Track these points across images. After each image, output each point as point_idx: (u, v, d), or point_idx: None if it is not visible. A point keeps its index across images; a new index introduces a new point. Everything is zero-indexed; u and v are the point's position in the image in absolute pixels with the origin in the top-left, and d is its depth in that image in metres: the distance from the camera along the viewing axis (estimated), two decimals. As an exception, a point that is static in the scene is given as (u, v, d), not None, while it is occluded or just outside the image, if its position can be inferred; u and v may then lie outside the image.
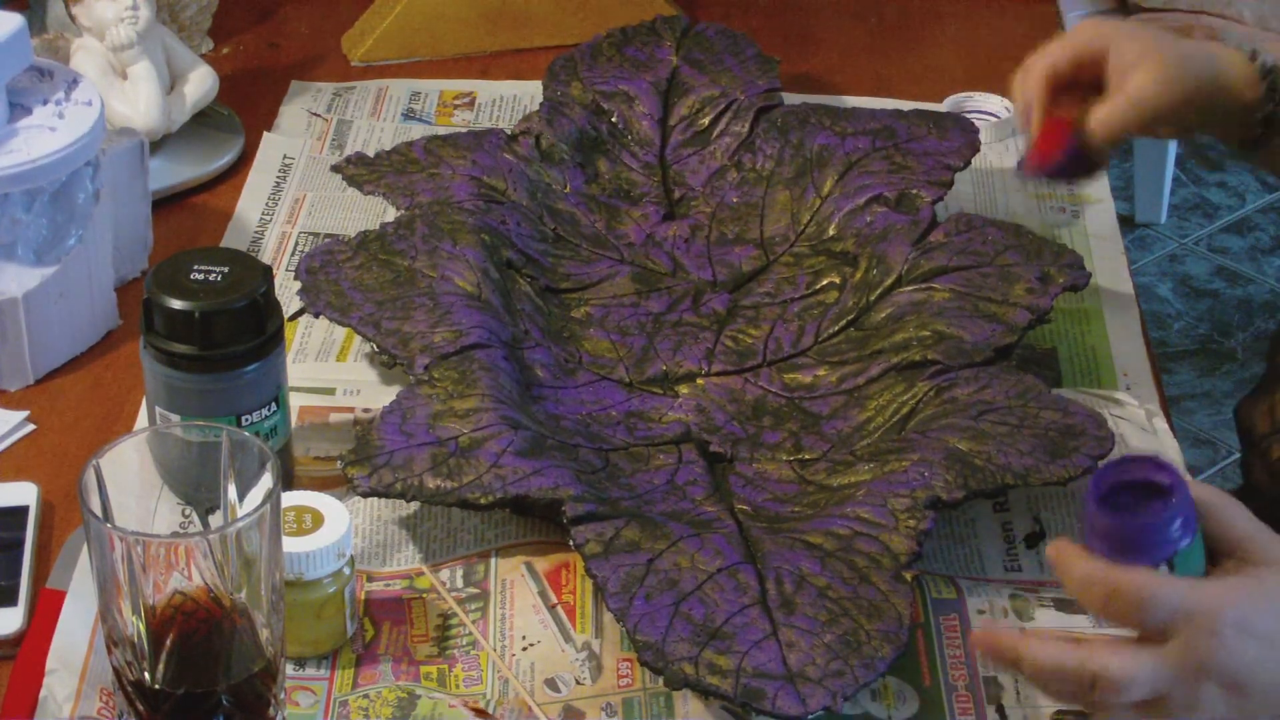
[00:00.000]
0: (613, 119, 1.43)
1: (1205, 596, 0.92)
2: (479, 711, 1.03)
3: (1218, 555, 0.95)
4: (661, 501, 1.13)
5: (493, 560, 1.12)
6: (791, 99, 1.47)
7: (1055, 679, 0.94)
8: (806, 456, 1.17)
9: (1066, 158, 1.23)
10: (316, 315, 1.25)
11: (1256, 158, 1.25)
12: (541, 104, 1.43)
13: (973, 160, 1.37)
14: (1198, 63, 1.20)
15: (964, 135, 1.38)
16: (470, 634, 1.08)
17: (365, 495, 1.10)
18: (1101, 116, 1.20)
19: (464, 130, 1.47)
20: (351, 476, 1.11)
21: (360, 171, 1.38)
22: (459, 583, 1.11)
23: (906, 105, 1.49)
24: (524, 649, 1.07)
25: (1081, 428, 1.13)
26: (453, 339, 1.20)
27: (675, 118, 1.43)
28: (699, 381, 1.23)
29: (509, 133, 1.40)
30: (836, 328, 1.26)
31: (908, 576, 1.05)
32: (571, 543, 1.07)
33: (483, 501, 1.10)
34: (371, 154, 1.39)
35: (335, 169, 1.39)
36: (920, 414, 1.17)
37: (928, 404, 1.17)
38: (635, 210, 1.37)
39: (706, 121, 1.42)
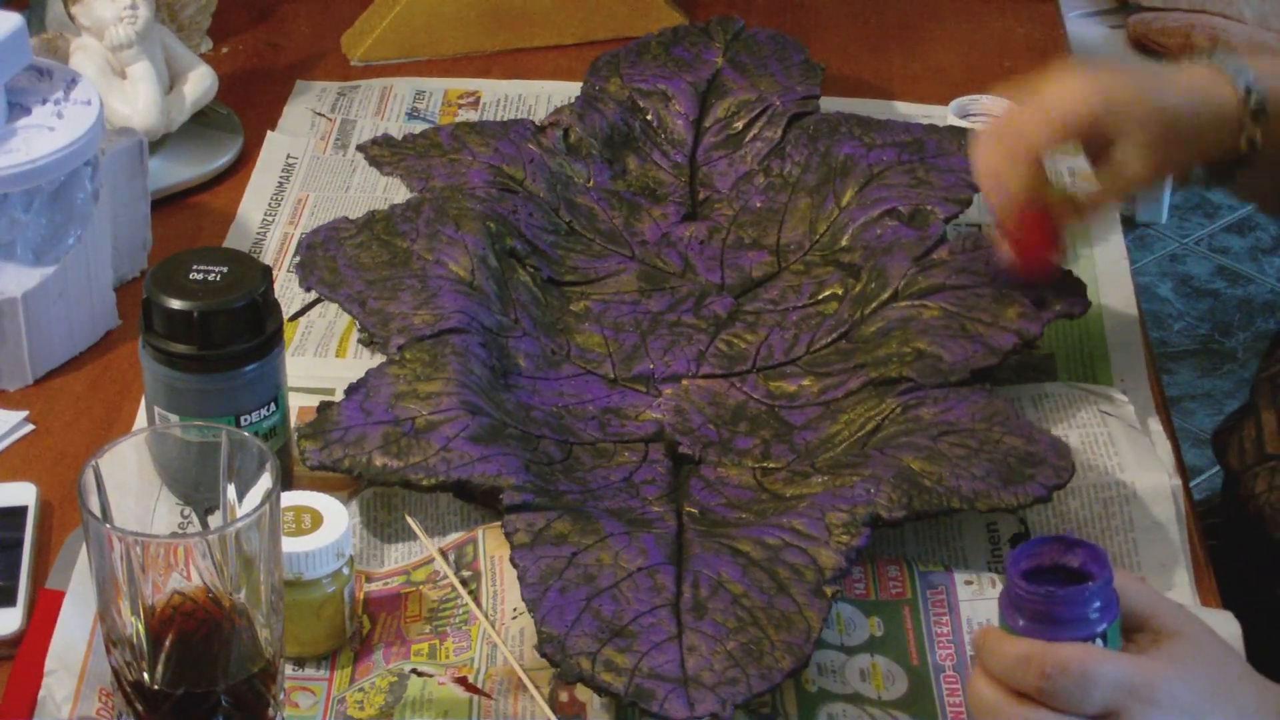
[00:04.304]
0: (647, 116, 1.42)
1: (1144, 669, 0.92)
2: (467, 685, 1.03)
3: (1127, 630, 0.95)
4: (611, 498, 1.13)
5: (480, 538, 1.12)
6: (833, 104, 1.45)
7: (986, 707, 0.94)
8: (771, 465, 1.16)
9: (1059, 255, 1.19)
10: (308, 289, 1.26)
11: (1234, 184, 1.22)
12: (577, 97, 1.43)
13: None
14: (1184, 120, 1.16)
15: None
16: (463, 610, 1.08)
17: (313, 469, 1.11)
18: (1096, 203, 1.18)
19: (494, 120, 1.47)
20: (303, 449, 1.12)
21: (383, 153, 1.39)
22: (451, 568, 1.12)
23: (917, 109, 1.49)
24: (514, 617, 1.07)
25: (1042, 456, 1.10)
26: (432, 322, 1.20)
27: (710, 120, 1.42)
28: (684, 383, 1.22)
29: (538, 124, 1.41)
30: (829, 339, 1.25)
31: (828, 592, 1.04)
32: (503, 531, 1.08)
33: (425, 483, 1.10)
34: None
35: (360, 149, 1.41)
36: (884, 431, 1.15)
37: (893, 421, 1.16)
38: (656, 209, 1.36)
39: (740, 125, 1.41)
